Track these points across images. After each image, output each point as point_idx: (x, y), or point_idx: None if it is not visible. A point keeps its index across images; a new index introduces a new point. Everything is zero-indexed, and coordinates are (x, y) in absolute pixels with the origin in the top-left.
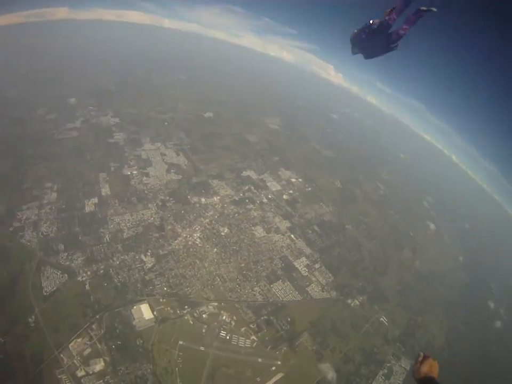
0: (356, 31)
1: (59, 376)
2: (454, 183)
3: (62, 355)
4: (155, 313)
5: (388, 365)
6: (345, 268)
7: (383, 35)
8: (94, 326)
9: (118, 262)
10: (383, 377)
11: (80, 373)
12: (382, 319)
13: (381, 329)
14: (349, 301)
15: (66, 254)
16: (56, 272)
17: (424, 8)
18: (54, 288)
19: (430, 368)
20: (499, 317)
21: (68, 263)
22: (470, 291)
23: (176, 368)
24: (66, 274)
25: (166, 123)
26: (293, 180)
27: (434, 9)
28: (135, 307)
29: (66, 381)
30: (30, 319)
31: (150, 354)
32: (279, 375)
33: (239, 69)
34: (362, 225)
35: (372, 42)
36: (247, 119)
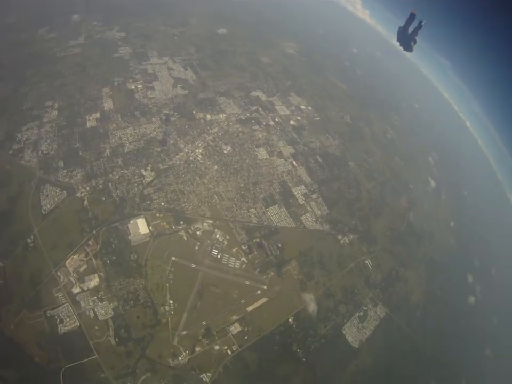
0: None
1: (56, 295)
2: (463, 148)
3: (58, 273)
4: (151, 228)
5: (365, 308)
6: (341, 203)
7: (405, 36)
8: (90, 242)
9: (117, 177)
10: (357, 319)
11: (75, 290)
12: (367, 262)
13: (364, 271)
14: (340, 237)
15: (65, 171)
16: (55, 189)
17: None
18: (53, 206)
19: None
20: (474, 293)
21: (67, 179)
22: (454, 258)
23: (167, 284)
24: (65, 191)
25: (175, 37)
26: (303, 107)
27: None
28: (131, 221)
29: (62, 299)
30: (29, 240)
31: (143, 270)
32: (263, 300)
33: None
34: (365, 164)
35: (401, 39)
36: (263, 40)
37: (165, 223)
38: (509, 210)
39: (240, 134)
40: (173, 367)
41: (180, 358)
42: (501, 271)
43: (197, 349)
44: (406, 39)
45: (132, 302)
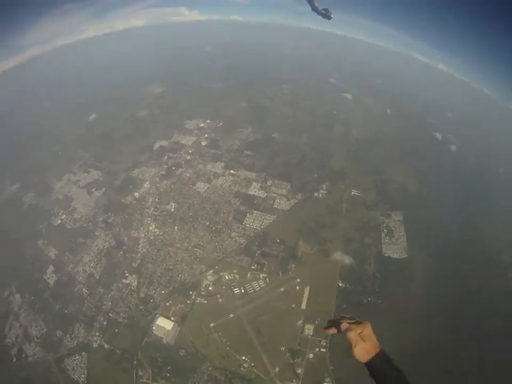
0: None
1: None
2: (359, 53)
3: None
4: (172, 319)
5: (384, 225)
6: (294, 170)
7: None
8: (140, 372)
9: (110, 303)
10: (387, 237)
11: None
12: (353, 193)
13: (357, 201)
14: (316, 194)
15: (68, 336)
16: (74, 358)
17: None
18: (85, 373)
19: (365, 338)
20: (451, 142)
21: (75, 341)
22: (414, 134)
23: (227, 348)
24: (83, 352)
25: (60, 153)
26: (202, 125)
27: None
28: (153, 328)
29: None
30: None
31: (198, 355)
32: (306, 289)
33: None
34: (286, 127)
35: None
36: (129, 97)
37: (179, 305)
38: (420, 66)
39: (172, 186)
40: None
41: None
42: (455, 110)
43: (299, 371)
44: (316, 11)
45: None
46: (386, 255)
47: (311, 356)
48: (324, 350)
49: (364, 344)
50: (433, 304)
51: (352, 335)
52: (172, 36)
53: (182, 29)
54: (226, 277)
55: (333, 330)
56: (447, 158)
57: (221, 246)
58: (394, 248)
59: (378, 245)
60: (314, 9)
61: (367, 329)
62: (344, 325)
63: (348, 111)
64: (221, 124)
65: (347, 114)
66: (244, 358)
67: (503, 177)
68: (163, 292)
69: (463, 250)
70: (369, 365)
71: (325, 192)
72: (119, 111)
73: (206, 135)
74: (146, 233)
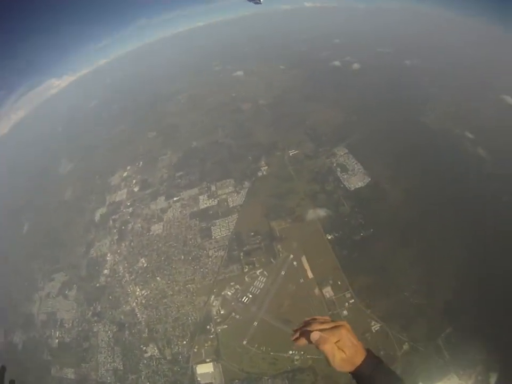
0: None
1: None
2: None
3: None
4: (207, 360)
5: (334, 165)
6: (228, 164)
7: None
8: None
9: (148, 383)
10: (344, 174)
11: None
12: (291, 153)
13: (299, 158)
14: (260, 174)
15: None
16: None
17: None
18: None
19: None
20: (352, 62)
21: None
22: (315, 73)
23: (271, 353)
24: None
25: (17, 278)
26: (125, 174)
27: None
28: (198, 379)
29: None
30: None
31: (252, 376)
32: (304, 259)
33: None
34: (200, 131)
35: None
36: (45, 193)
37: (205, 344)
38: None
39: (132, 244)
40: None
41: None
42: (340, 36)
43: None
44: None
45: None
46: (352, 189)
47: (345, 312)
48: (353, 300)
49: (344, 355)
50: (415, 199)
51: (327, 348)
52: (55, 109)
53: (61, 99)
54: (229, 293)
55: (303, 342)
56: (356, 77)
57: (207, 270)
58: (356, 179)
59: (341, 184)
60: None
61: (344, 335)
62: (315, 335)
63: (246, 87)
64: (140, 163)
65: (246, 90)
66: (291, 352)
67: (411, 68)
68: (184, 342)
69: (415, 145)
70: (356, 374)
71: (266, 167)
72: (47, 205)
73: (134, 181)
74: (136, 300)
